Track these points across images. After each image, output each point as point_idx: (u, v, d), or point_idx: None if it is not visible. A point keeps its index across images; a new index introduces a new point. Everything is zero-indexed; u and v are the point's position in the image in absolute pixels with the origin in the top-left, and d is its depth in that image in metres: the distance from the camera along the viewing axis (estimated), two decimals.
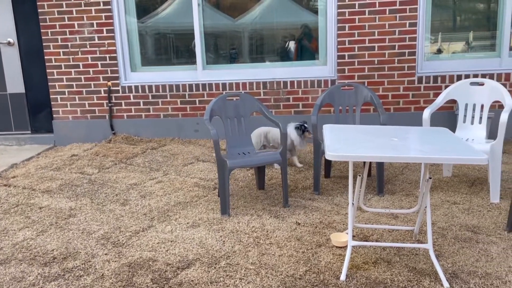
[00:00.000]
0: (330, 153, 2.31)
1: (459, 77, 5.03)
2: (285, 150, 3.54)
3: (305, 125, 4.28)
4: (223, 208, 3.44)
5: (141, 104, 5.59)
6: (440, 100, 3.87)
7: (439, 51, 5.29)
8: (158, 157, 4.98)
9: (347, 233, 2.99)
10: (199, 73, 5.54)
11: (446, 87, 5.04)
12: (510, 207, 2.97)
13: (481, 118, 3.80)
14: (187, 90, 5.48)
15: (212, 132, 3.39)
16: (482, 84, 3.78)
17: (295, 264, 2.71)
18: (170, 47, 5.69)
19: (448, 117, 5.10)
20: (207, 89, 5.45)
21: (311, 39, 5.41)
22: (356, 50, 5.14)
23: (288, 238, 3.04)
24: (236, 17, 5.53)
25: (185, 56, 5.65)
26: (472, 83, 3.82)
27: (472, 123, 3.83)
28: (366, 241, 2.99)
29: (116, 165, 4.79)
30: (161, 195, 3.91)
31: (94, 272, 2.71)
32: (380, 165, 3.70)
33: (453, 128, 5.00)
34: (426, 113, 3.73)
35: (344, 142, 2.54)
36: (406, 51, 5.07)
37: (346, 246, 2.89)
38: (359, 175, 2.60)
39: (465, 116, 3.87)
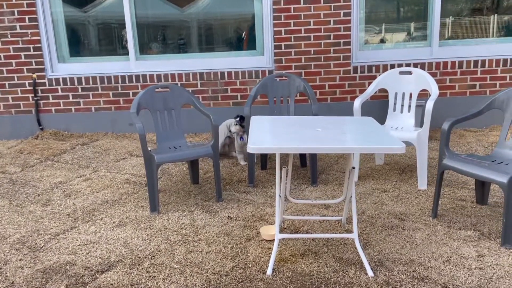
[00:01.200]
0: (252, 146, 2.24)
1: (392, 66, 5.12)
2: (216, 143, 3.44)
3: (239, 118, 4.11)
4: (152, 205, 3.30)
5: (70, 97, 5.28)
6: (371, 90, 3.90)
7: (375, 41, 5.36)
8: (88, 153, 4.73)
9: None
10: (132, 64, 5.30)
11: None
12: (435, 194, 3.03)
13: (410, 106, 3.87)
14: (120, 82, 5.24)
15: (138, 126, 3.22)
16: (411, 73, 3.84)
17: (222, 261, 2.63)
18: (101, 37, 5.40)
19: (382, 106, 5.19)
20: (141, 81, 5.23)
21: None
22: (292, 40, 5.10)
23: (217, 234, 2.95)
24: (183, 6, 5.33)
25: (117, 46, 5.39)
26: (401, 72, 3.88)
27: (401, 111, 3.90)
28: (297, 232, 2.95)
29: (41, 162, 4.49)
30: (87, 193, 3.70)
31: (4, 280, 2.49)
32: (313, 155, 3.68)
33: (385, 115, 5.10)
34: (357, 103, 3.75)
35: (268, 134, 2.47)
36: (341, 41, 5.09)
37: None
38: (284, 167, 2.54)
39: (395, 104, 3.92)
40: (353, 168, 2.51)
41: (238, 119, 4.07)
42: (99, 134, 5.38)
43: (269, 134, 2.47)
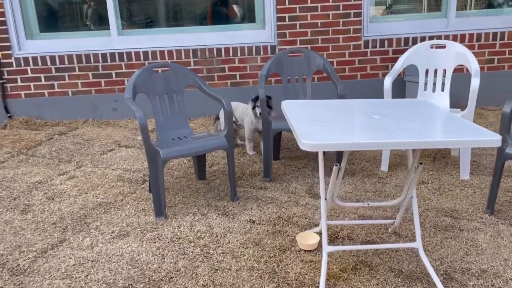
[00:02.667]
0: (307, 142, 1.72)
1: (406, 40, 4.66)
2: (230, 133, 2.90)
3: (255, 100, 3.46)
4: (157, 209, 2.75)
5: (43, 79, 4.57)
6: (399, 66, 3.43)
7: (386, 12, 4.87)
8: (68, 145, 4.08)
9: (316, 233, 2.47)
10: (114, 39, 4.62)
11: (393, 51, 4.67)
12: (492, 187, 2.62)
13: (443, 84, 3.43)
14: (100, 60, 4.56)
15: (139, 114, 2.64)
16: (444, 47, 3.38)
17: (258, 281, 2.14)
18: (76, 9, 4.68)
19: (398, 84, 4.74)
20: (125, 59, 4.57)
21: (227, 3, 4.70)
22: (297, 11, 4.54)
23: (244, 244, 2.45)
24: None
25: (96, 19, 4.68)
26: (434, 46, 3.42)
27: (433, 90, 3.45)
28: (337, 237, 2.49)
29: (13, 157, 3.83)
30: (75, 195, 3.11)
31: None
32: None
33: (402, 95, 4.67)
34: (388, 81, 3.28)
35: (315, 124, 1.96)
36: (352, 11, 4.57)
37: (316, 249, 2.37)
38: (336, 165, 2.05)
39: (426, 84, 3.47)
40: (421, 164, 2.05)
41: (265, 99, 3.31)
42: (78, 121, 4.72)
43: (317, 124, 1.96)
